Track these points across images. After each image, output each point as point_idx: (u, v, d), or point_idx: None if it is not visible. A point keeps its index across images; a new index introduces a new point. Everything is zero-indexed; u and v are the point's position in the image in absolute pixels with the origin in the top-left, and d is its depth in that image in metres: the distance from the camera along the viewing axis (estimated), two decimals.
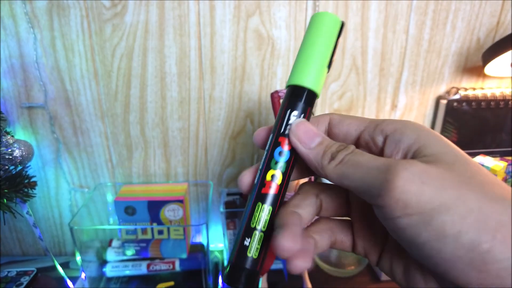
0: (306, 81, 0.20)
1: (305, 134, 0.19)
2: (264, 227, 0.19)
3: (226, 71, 0.60)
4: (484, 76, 0.64)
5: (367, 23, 0.58)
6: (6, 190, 0.47)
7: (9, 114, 0.59)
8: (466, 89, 0.62)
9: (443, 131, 0.64)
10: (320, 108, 0.64)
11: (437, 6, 0.58)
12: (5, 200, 0.47)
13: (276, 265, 0.62)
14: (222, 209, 0.59)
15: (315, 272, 0.62)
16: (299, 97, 0.20)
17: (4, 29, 0.54)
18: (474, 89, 0.62)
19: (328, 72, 0.21)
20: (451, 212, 0.14)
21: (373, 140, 0.19)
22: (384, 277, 0.60)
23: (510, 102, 0.63)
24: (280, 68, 0.60)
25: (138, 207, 0.57)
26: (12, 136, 0.51)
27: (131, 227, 0.58)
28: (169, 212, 0.58)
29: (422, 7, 0.58)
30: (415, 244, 0.15)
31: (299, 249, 0.17)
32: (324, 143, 0.19)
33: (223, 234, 0.61)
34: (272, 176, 0.19)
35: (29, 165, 0.52)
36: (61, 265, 0.58)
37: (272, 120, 0.62)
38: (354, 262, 0.61)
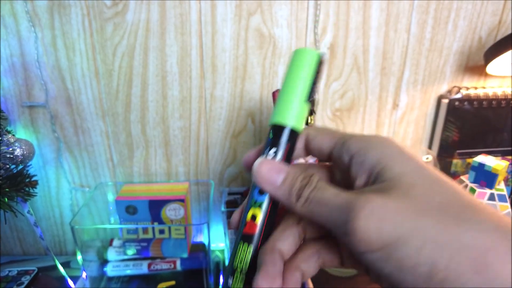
0: (283, 118, 0.20)
1: (268, 173, 0.19)
2: (245, 268, 0.19)
3: (227, 70, 0.59)
4: (486, 75, 0.64)
5: (369, 22, 0.58)
6: (7, 189, 0.47)
7: (10, 113, 0.59)
8: (467, 88, 0.62)
9: (445, 130, 0.64)
10: (321, 107, 0.63)
11: (438, 5, 0.58)
12: (6, 199, 0.47)
13: None
14: (223, 208, 0.59)
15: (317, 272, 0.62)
16: (278, 135, 0.20)
17: (5, 28, 0.54)
18: (475, 88, 0.62)
19: (311, 106, 0.21)
20: (408, 246, 0.14)
21: (341, 158, 0.19)
22: None
23: (511, 102, 0.62)
24: (282, 67, 0.60)
25: (139, 207, 0.57)
26: (13, 135, 0.51)
27: (132, 226, 0.58)
28: (170, 212, 0.58)
29: (423, 5, 0.58)
30: (382, 275, 0.16)
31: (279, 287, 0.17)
32: (289, 179, 0.19)
33: (224, 233, 0.61)
34: (253, 215, 0.20)
35: (30, 164, 0.52)
36: (62, 264, 0.58)
37: None
38: None
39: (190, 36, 0.57)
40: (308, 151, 0.22)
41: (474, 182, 0.59)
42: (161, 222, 0.58)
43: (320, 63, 0.21)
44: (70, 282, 0.58)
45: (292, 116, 0.20)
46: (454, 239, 0.14)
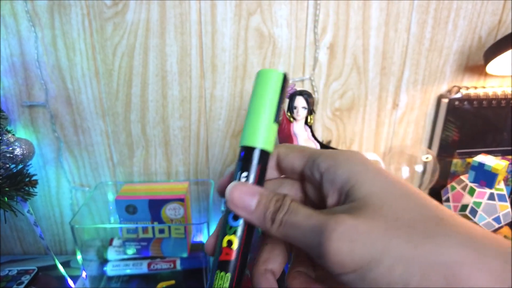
0: (252, 141, 0.20)
1: (241, 198, 0.19)
2: None
3: (227, 69, 0.59)
4: (486, 74, 0.64)
5: (369, 22, 0.58)
6: (7, 189, 0.47)
7: (10, 113, 0.59)
8: (467, 88, 0.62)
9: (444, 130, 0.64)
10: (321, 107, 0.64)
11: (438, 5, 0.58)
12: (6, 198, 0.47)
13: None
14: (223, 208, 0.59)
15: None
16: (247, 157, 0.20)
17: (5, 28, 0.54)
18: (475, 88, 0.62)
19: (278, 125, 0.21)
20: (381, 266, 0.14)
21: (312, 175, 0.20)
22: None
23: (511, 101, 0.62)
24: (281, 66, 0.60)
25: (139, 206, 0.57)
26: (13, 134, 0.51)
27: (132, 226, 0.58)
28: (170, 211, 0.58)
29: (423, 5, 0.58)
30: None
31: None
32: (262, 202, 0.19)
33: None
34: (228, 241, 0.19)
35: (30, 164, 0.52)
36: (62, 264, 0.58)
37: None
38: None
39: (190, 36, 0.57)
40: (280, 170, 0.22)
41: (474, 181, 0.59)
42: (161, 221, 0.58)
43: (284, 83, 0.21)
44: (70, 282, 0.58)
45: (261, 137, 0.20)
46: (423, 256, 0.14)
